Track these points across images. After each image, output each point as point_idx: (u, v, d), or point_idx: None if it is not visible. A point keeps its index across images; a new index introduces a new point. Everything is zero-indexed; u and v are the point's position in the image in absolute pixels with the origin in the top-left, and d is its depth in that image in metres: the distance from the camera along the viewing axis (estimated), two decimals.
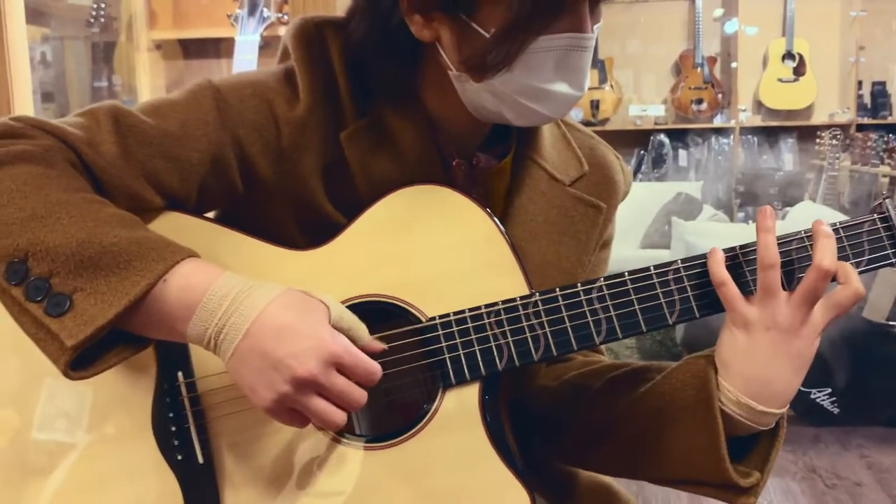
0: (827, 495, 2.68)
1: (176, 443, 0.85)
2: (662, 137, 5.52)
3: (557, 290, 0.87)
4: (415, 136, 0.91)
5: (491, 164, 0.97)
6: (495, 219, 0.89)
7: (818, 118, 5.50)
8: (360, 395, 0.77)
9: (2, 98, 1.26)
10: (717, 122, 5.59)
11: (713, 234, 4.00)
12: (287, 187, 0.90)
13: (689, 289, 0.85)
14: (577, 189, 0.99)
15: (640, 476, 0.94)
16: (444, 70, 0.89)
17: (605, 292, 0.86)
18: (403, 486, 0.86)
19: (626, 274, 0.86)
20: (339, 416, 0.77)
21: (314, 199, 0.90)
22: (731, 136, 5.57)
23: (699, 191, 5.16)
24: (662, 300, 0.85)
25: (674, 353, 3.81)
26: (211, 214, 0.94)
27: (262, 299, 0.76)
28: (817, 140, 4.82)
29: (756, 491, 0.85)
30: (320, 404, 0.76)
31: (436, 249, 0.88)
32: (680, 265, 0.86)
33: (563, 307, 0.86)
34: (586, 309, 0.86)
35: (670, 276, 0.86)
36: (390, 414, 0.92)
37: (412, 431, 0.86)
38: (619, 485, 1.08)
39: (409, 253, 0.88)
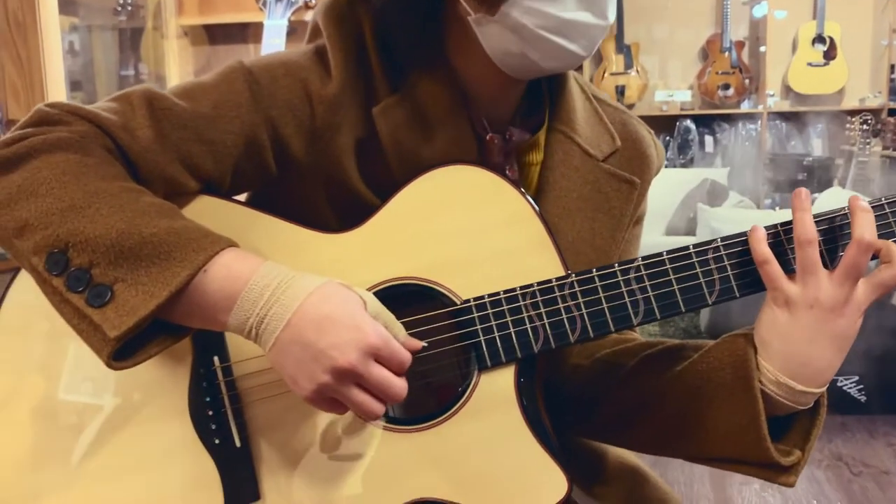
0: (853, 483, 2.66)
1: (213, 427, 0.86)
2: (689, 123, 5.47)
3: (594, 270, 0.85)
4: (447, 110, 0.90)
5: (524, 138, 0.96)
6: (529, 198, 0.88)
7: (848, 103, 5.41)
8: (401, 387, 0.78)
9: (35, 87, 1.27)
10: (745, 107, 5.52)
11: (740, 221, 3.96)
12: (320, 167, 0.89)
13: (728, 268, 0.84)
14: (610, 164, 0.97)
15: (677, 454, 0.93)
16: (466, 23, 0.87)
17: (643, 272, 0.85)
18: (440, 468, 0.85)
19: (665, 253, 0.84)
20: (378, 407, 0.77)
21: (347, 179, 0.89)
22: (759, 122, 5.50)
23: (725, 177, 5.11)
24: (702, 279, 0.84)
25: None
26: (241, 196, 0.94)
27: (303, 290, 0.76)
28: (847, 125, 4.74)
29: (797, 469, 0.84)
30: (359, 395, 0.76)
31: (470, 231, 0.88)
32: (720, 243, 0.84)
33: (599, 288, 0.85)
34: (624, 290, 0.85)
35: (710, 255, 0.84)
36: (425, 397, 0.92)
37: (448, 414, 0.86)
38: (647, 467, 1.07)
39: (442, 235, 0.88)
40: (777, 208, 5.06)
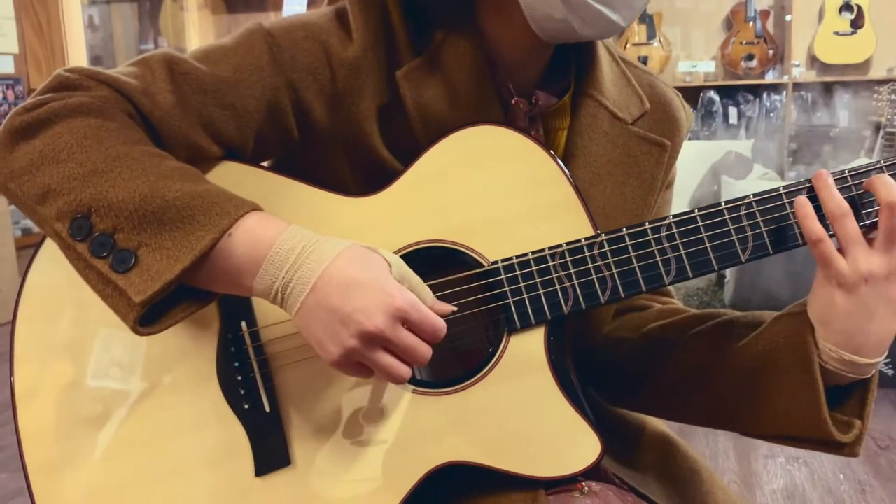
0: (880, 457, 2.63)
1: (242, 392, 0.85)
2: (712, 94, 5.40)
3: (624, 229, 0.84)
4: (472, 74, 0.88)
5: (550, 102, 0.94)
6: (557, 159, 0.86)
7: (876, 72, 5.32)
8: (426, 351, 0.77)
9: (57, 55, 1.26)
10: (770, 77, 5.44)
11: None
12: (343, 132, 0.88)
13: (762, 224, 0.82)
14: (639, 128, 0.95)
15: (730, 429, 0.92)
16: None
17: (675, 230, 0.83)
18: (470, 431, 0.85)
19: (696, 210, 0.83)
20: (405, 371, 0.77)
21: (370, 144, 0.88)
22: (784, 93, 5.42)
23: (749, 149, 5.04)
24: (735, 237, 0.82)
25: None
26: (265, 164, 0.93)
27: (329, 254, 0.75)
28: (875, 95, 4.67)
29: (860, 441, 0.83)
30: (386, 359, 0.76)
31: (497, 192, 0.86)
32: (752, 199, 0.82)
33: (630, 247, 0.84)
34: (654, 248, 0.83)
35: (742, 212, 0.82)
36: (451, 361, 0.91)
37: (477, 377, 0.85)
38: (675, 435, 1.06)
39: (469, 196, 0.86)
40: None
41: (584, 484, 0.87)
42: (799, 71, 5.40)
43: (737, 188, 4.07)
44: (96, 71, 0.82)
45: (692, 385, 0.92)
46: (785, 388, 0.84)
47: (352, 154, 0.89)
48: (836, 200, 0.79)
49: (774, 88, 5.47)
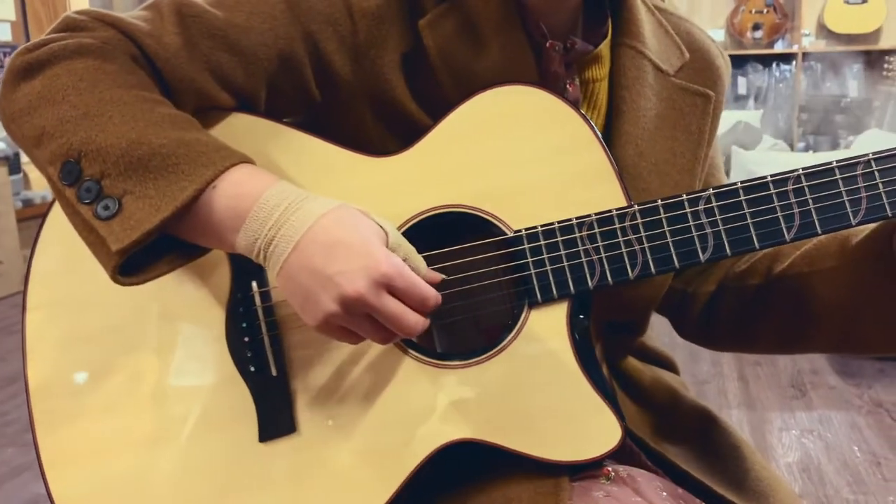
0: (894, 430, 2.62)
1: (249, 354, 0.82)
2: None
3: (659, 200, 0.79)
4: (500, 18, 0.83)
5: (586, 49, 0.88)
6: (592, 124, 0.81)
7: (887, 42, 5.25)
8: (414, 320, 0.72)
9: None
10: (779, 47, 5.36)
11: (774, 164, 3.89)
12: (367, 86, 0.83)
13: (811, 201, 0.77)
14: (680, 79, 0.91)
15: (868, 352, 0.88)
16: None
17: (714, 204, 0.78)
18: (483, 408, 0.81)
19: (739, 183, 0.78)
20: (389, 338, 0.74)
21: (396, 97, 0.83)
22: (794, 63, 5.35)
23: (759, 119, 5.00)
24: (779, 213, 0.77)
25: None
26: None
27: (315, 212, 0.72)
28: (885, 65, 4.60)
29: None
30: (367, 327, 0.72)
31: (524, 157, 0.81)
32: (801, 172, 0.77)
33: (664, 220, 0.79)
34: (691, 223, 0.78)
35: (789, 187, 0.77)
36: (474, 334, 0.87)
37: (493, 351, 0.81)
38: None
39: (494, 160, 0.81)
40: (811, 151, 4.96)
41: (609, 469, 0.83)
42: (809, 40, 5.32)
43: (749, 159, 4.03)
44: (104, 13, 0.79)
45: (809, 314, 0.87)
46: None
47: (378, 110, 0.84)
48: None
49: (784, 58, 5.40)
